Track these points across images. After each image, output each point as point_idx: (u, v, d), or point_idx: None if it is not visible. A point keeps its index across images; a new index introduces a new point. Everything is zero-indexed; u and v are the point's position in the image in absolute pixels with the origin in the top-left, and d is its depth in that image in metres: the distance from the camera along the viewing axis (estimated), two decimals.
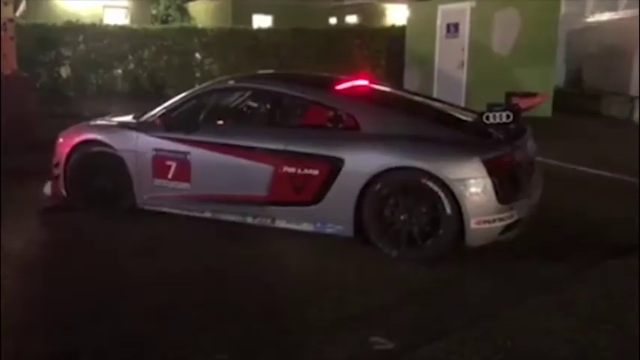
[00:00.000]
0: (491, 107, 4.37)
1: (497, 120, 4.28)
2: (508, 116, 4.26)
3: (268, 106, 5.14)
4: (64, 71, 13.80)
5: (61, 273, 4.31)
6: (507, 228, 4.31)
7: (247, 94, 5.39)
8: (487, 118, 4.31)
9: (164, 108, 5.38)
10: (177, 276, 4.22)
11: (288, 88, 5.11)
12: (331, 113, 4.80)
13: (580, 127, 11.60)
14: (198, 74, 14.88)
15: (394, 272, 4.25)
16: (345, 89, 5.20)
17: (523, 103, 4.53)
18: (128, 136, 5.30)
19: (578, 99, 13.59)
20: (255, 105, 5.39)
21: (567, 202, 6.02)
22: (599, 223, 5.45)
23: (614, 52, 12.99)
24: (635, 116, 12.34)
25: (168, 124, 5.16)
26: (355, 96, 5.09)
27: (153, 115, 5.36)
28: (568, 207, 5.85)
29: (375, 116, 4.75)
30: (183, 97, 5.39)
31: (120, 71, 14.36)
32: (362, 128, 4.64)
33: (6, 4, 9.53)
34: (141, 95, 13.48)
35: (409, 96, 5.72)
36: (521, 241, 4.48)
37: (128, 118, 5.67)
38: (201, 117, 5.23)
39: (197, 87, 5.55)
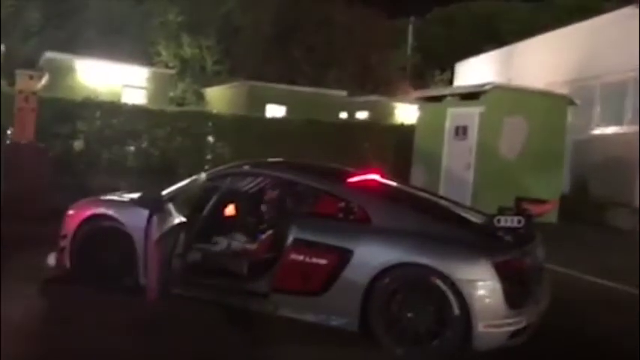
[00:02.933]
0: (503, 210, 4.41)
1: (509, 224, 4.31)
2: (519, 221, 4.30)
3: (282, 192, 5.19)
4: (78, 145, 14.05)
5: (55, 344, 4.26)
6: (515, 333, 4.23)
7: (261, 180, 5.46)
8: (498, 221, 4.34)
9: (177, 188, 5.43)
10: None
11: (303, 178, 5.18)
12: (343, 204, 4.84)
13: (584, 236, 11.58)
14: (209, 157, 15.14)
15: None
16: (358, 182, 5.25)
17: (535, 209, 4.57)
18: (139, 214, 5.31)
19: (583, 207, 13.66)
20: (268, 191, 5.45)
21: (570, 310, 5.92)
22: (601, 335, 5.36)
23: (619, 164, 13.20)
24: None
25: (180, 204, 5.18)
26: (368, 189, 5.14)
27: (166, 195, 5.40)
28: (571, 316, 5.74)
29: (386, 211, 4.78)
30: (197, 179, 5.45)
31: (132, 148, 14.61)
32: (373, 221, 4.66)
33: (31, 78, 9.87)
34: (151, 174, 13.61)
35: (421, 193, 5.78)
36: (524, 348, 4.37)
37: (139, 196, 5.70)
38: (213, 200, 5.27)
39: (211, 170, 5.63)
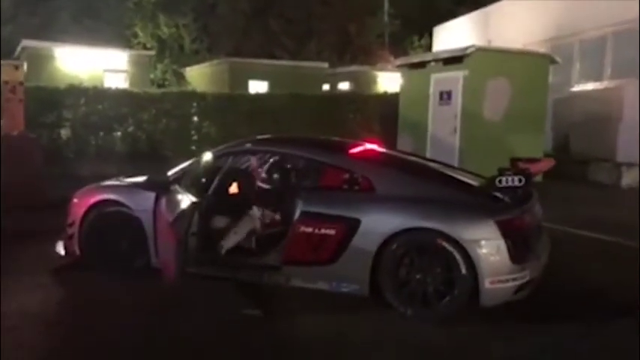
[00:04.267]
0: (502, 171, 4.59)
1: (510, 183, 4.50)
2: (520, 180, 4.48)
3: (286, 168, 5.32)
4: (65, 133, 13.99)
5: (69, 330, 4.40)
6: (520, 288, 4.45)
7: (265, 156, 5.58)
8: (500, 181, 4.53)
9: (181, 169, 5.53)
10: (189, 337, 4.28)
11: (306, 152, 5.31)
12: (347, 175, 4.99)
13: (569, 192, 11.87)
14: (195, 137, 15.15)
15: (408, 330, 4.36)
16: (359, 152, 5.40)
17: (534, 167, 4.76)
18: (145, 196, 5.41)
19: (565, 165, 13.93)
20: (272, 167, 5.58)
21: (566, 263, 6.16)
22: (598, 284, 5.61)
23: (600, 120, 13.47)
24: (623, 182, 12.71)
25: (186, 185, 5.29)
26: (370, 159, 5.30)
27: (170, 176, 5.50)
28: (567, 268, 5.98)
29: (390, 178, 4.93)
30: (199, 159, 5.55)
31: (119, 133, 14.55)
32: (377, 190, 4.82)
33: (17, 68, 9.81)
34: (139, 157, 13.61)
35: (419, 159, 5.94)
36: (528, 302, 4.59)
37: (143, 179, 5.79)
38: (218, 179, 5.38)
39: (214, 149, 5.72)
